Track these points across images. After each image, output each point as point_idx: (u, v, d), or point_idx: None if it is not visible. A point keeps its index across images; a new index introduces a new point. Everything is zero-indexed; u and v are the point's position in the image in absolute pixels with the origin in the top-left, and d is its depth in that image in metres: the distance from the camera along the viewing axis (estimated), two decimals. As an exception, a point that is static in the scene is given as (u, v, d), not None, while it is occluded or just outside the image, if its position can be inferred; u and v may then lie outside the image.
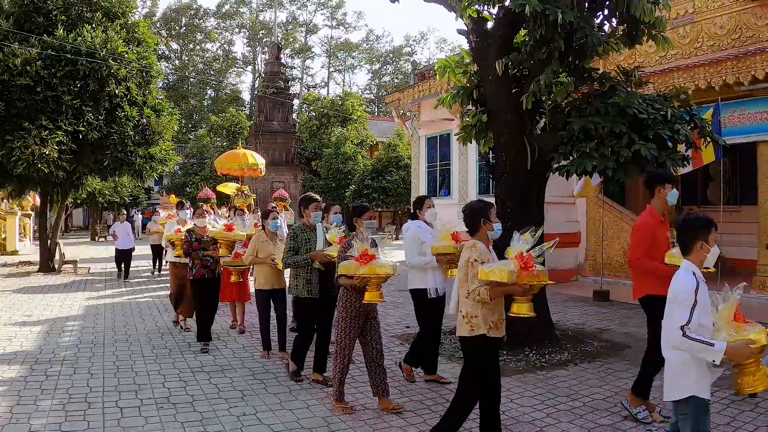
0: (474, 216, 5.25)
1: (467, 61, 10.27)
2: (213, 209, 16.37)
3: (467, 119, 10.31)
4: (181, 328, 10.69)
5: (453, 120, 18.32)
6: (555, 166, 9.22)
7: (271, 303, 8.79)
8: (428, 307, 7.27)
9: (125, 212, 21.27)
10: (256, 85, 58.35)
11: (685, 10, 13.34)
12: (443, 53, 71.02)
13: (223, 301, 10.52)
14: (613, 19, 9.17)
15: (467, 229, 5.38)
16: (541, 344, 8.96)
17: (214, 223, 9.75)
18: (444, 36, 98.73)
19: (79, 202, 38.29)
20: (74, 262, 20.65)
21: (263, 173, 22.79)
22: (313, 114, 49.71)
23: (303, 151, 42.93)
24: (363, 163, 41.57)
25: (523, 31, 9.21)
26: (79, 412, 6.39)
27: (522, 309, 5.07)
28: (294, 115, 41.15)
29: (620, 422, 6.13)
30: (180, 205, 12.62)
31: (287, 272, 8.07)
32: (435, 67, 11.08)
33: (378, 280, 5.97)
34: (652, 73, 12.94)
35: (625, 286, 13.74)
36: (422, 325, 7.45)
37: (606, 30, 9.31)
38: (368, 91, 76.83)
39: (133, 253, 19.01)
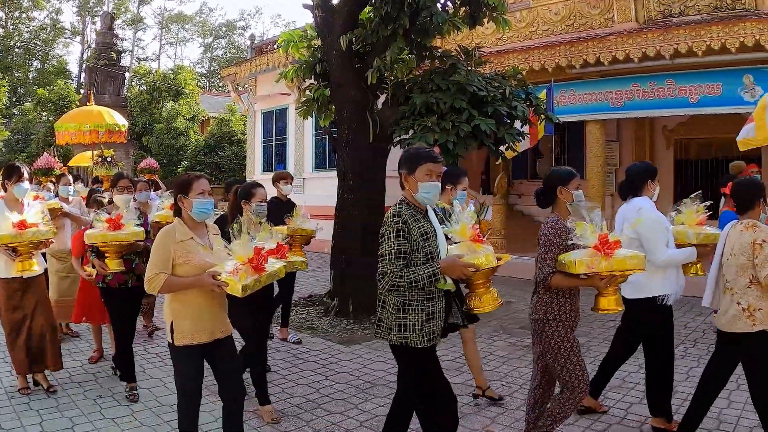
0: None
1: (311, 35, 10.15)
2: (54, 183, 11.17)
3: (309, 93, 10.21)
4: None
5: (290, 95, 18.24)
6: (396, 139, 9.33)
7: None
8: (659, 316, 5.06)
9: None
10: (86, 57, 55.29)
11: (523, -4, 13.86)
12: (278, 28, 70.38)
13: (84, 322, 7.20)
14: (456, 0, 9.33)
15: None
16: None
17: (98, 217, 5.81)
18: (279, 12, 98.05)
19: None
20: None
21: (126, 139, 19.08)
22: (144, 88, 47.76)
23: (133, 126, 41.22)
24: (195, 138, 40.42)
25: (368, 8, 9.20)
26: None
27: None
28: (125, 89, 39.46)
29: (470, 380, 6.31)
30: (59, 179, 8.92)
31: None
32: (278, 41, 10.92)
33: (623, 278, 4.11)
34: (489, 54, 13.33)
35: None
36: (663, 348, 5.10)
37: (449, 10, 9.44)
38: (200, 65, 74.81)
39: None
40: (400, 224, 3.73)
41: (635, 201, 5.09)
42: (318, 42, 9.96)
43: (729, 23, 11.10)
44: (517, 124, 9.53)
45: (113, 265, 5.69)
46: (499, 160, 11.05)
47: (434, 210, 4.11)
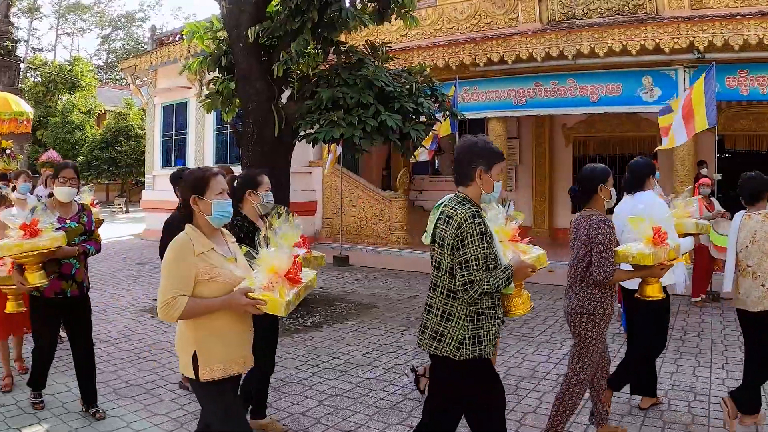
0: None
1: (217, 27, 9.97)
2: None
3: (213, 86, 10.03)
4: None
5: (191, 88, 17.96)
6: (302, 134, 9.28)
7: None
8: (664, 309, 5.29)
9: None
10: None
11: (429, -5, 13.97)
12: (179, 21, 68.93)
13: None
14: (366, -4, 9.35)
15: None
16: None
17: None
18: (180, 4, 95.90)
19: None
20: None
21: (29, 129, 17.34)
22: (40, 79, 45.94)
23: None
24: (91, 132, 39.18)
25: (276, 0, 9.10)
26: None
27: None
28: (19, 81, 37.81)
29: (384, 374, 6.46)
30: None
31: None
32: (183, 32, 10.69)
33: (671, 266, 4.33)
34: (394, 50, 13.42)
35: (362, 252, 14.54)
36: (654, 341, 5.30)
37: (357, 5, 9.44)
38: (98, 57, 72.50)
39: None
40: (482, 226, 3.40)
41: (641, 195, 5.21)
42: (224, 34, 9.75)
43: (630, 26, 11.58)
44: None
45: (34, 278, 4.80)
46: (414, 157, 11.11)
47: None
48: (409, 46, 13.77)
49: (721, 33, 10.84)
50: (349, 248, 14.80)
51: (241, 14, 9.02)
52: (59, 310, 5.20)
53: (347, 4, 8.75)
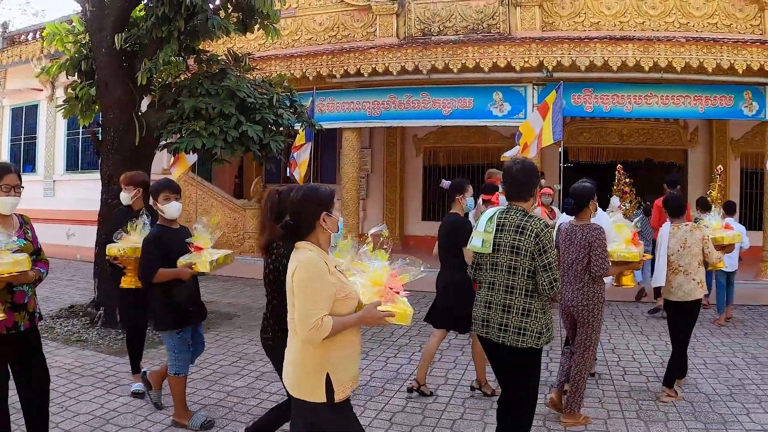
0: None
1: (79, 29, 9.67)
2: None
3: (71, 91, 9.73)
4: None
5: (42, 90, 17.25)
6: (163, 143, 9.21)
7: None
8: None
9: None
10: None
11: (288, 5, 14.06)
12: (27, 17, 65.14)
13: None
14: (229, 5, 9.39)
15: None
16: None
17: None
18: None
19: None
20: None
21: None
22: None
23: None
24: None
25: (141, 6, 8.99)
26: None
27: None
28: None
29: (253, 383, 6.57)
30: None
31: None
32: (43, 33, 10.27)
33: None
34: (253, 59, 13.47)
35: None
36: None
37: (221, 15, 9.45)
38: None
39: None
40: (552, 234, 4.17)
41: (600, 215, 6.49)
42: (86, 37, 9.45)
43: (484, 45, 12.21)
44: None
45: None
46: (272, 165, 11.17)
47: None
48: (267, 56, 13.80)
49: (569, 54, 11.68)
50: (202, 257, 14.56)
51: (105, 18, 8.80)
52: (9, 348, 4.26)
53: (212, 14, 8.77)
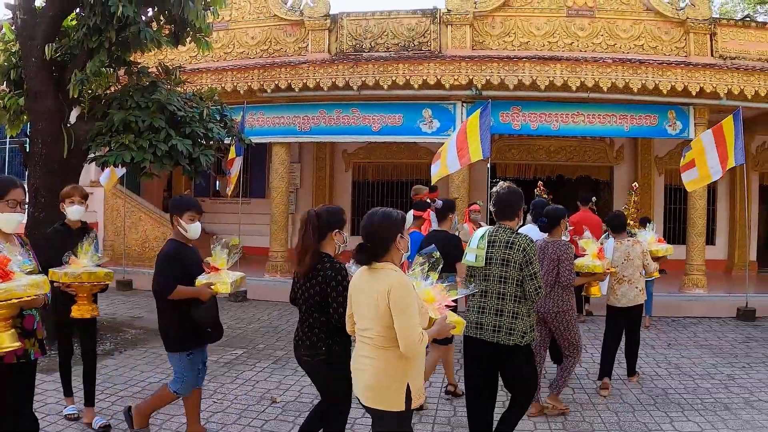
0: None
1: (9, 38, 9.42)
2: None
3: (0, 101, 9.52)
4: None
5: (-37, 98, 16.54)
6: (91, 156, 9.11)
7: None
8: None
9: None
10: None
11: (221, 17, 14.03)
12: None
13: None
14: (161, 17, 9.31)
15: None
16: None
17: None
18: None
19: None
20: None
21: None
22: None
23: None
24: None
25: (72, 16, 8.89)
26: None
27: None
28: None
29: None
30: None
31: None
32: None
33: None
34: (184, 71, 13.40)
35: (145, 275, 13.85)
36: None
37: (153, 27, 9.40)
38: None
39: None
40: (536, 248, 4.85)
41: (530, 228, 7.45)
42: (16, 46, 9.21)
43: (414, 62, 12.43)
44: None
45: (6, 340, 3.45)
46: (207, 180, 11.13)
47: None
48: (199, 68, 13.68)
49: (498, 73, 11.99)
50: (131, 272, 14.41)
51: (36, 27, 8.60)
52: (21, 379, 3.87)
53: (144, 25, 8.73)
